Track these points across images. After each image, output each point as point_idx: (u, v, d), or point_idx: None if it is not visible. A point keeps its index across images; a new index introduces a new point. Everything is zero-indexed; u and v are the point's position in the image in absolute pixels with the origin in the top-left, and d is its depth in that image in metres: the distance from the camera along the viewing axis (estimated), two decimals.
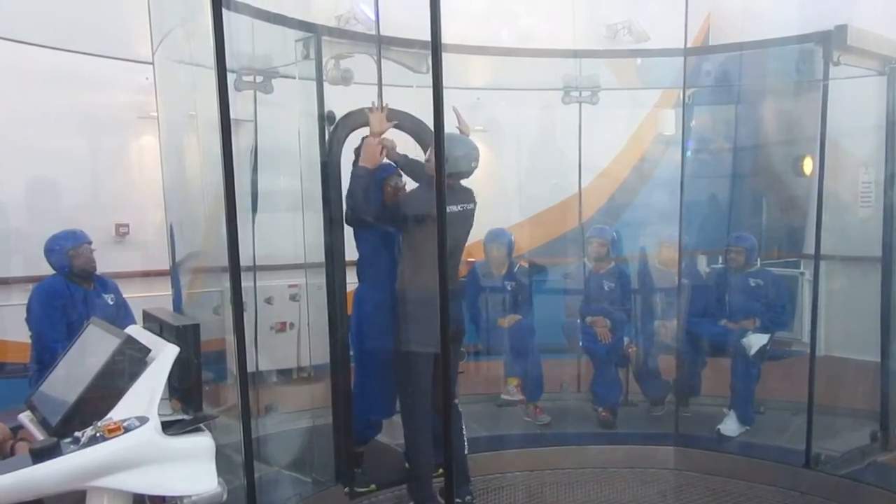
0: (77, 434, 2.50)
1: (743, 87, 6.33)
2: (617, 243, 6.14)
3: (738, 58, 6.05)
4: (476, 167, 4.32)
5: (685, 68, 5.40)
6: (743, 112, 6.70)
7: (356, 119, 4.51)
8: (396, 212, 4.30)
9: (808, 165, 6.03)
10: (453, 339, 4.30)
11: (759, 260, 5.86)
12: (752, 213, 7.18)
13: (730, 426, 5.39)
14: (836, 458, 4.78)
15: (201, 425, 2.79)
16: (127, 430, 2.52)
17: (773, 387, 5.67)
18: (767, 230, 7.08)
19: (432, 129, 2.96)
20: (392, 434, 5.04)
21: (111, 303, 5.18)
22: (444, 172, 3.06)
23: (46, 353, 4.75)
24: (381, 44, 4.78)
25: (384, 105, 4.42)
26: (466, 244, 4.58)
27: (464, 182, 4.35)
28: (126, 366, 2.76)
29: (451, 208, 4.07)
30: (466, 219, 4.35)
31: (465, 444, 4.64)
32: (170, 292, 4.78)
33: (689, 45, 5.53)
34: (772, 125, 7.00)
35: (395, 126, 4.53)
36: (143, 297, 5.36)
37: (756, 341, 5.42)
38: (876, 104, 5.06)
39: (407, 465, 4.74)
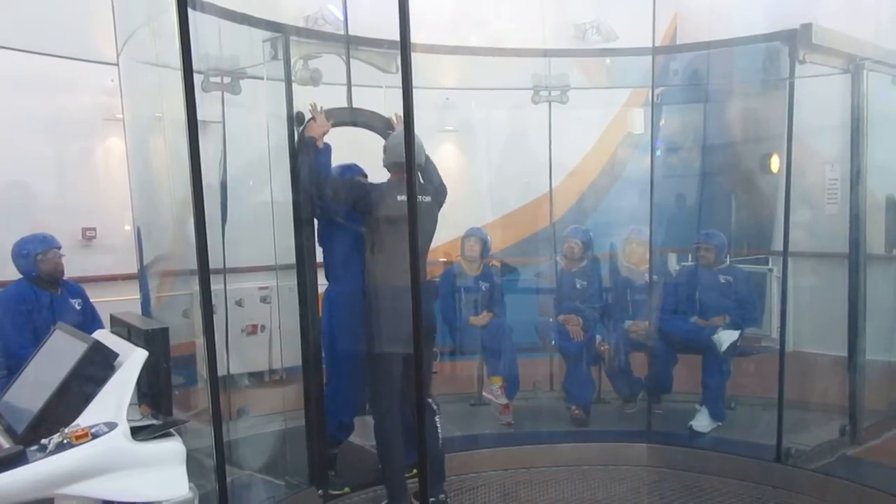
0: (44, 441, 2.46)
1: (711, 86, 6.38)
2: (589, 242, 6.17)
3: (706, 57, 6.10)
4: (424, 158, 4.37)
5: (653, 67, 5.44)
6: (711, 111, 6.76)
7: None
8: (361, 206, 4.29)
9: (776, 163, 6.09)
10: (425, 338, 4.29)
11: (728, 257, 5.91)
12: (721, 210, 7.23)
13: (702, 422, 5.42)
14: (807, 453, 4.83)
15: (171, 430, 2.75)
16: (95, 436, 2.49)
17: (743, 383, 5.73)
18: (736, 227, 7.14)
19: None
20: (365, 435, 5.03)
21: (78, 307, 5.12)
22: (416, 171, 3.05)
23: (12, 359, 4.68)
24: (349, 44, 4.77)
25: (320, 108, 4.42)
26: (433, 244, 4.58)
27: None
28: (93, 371, 2.71)
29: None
30: (425, 212, 4.32)
31: (441, 441, 4.61)
32: (138, 296, 4.73)
33: (656, 45, 5.57)
34: (739, 124, 7.07)
35: (363, 125, 4.53)
36: (110, 301, 5.30)
37: (726, 338, 5.45)
38: (841, 102, 5.12)
39: (380, 465, 4.73)
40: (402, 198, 4.00)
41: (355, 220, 4.47)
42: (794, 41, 4.71)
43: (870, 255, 5.23)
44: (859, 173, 5.03)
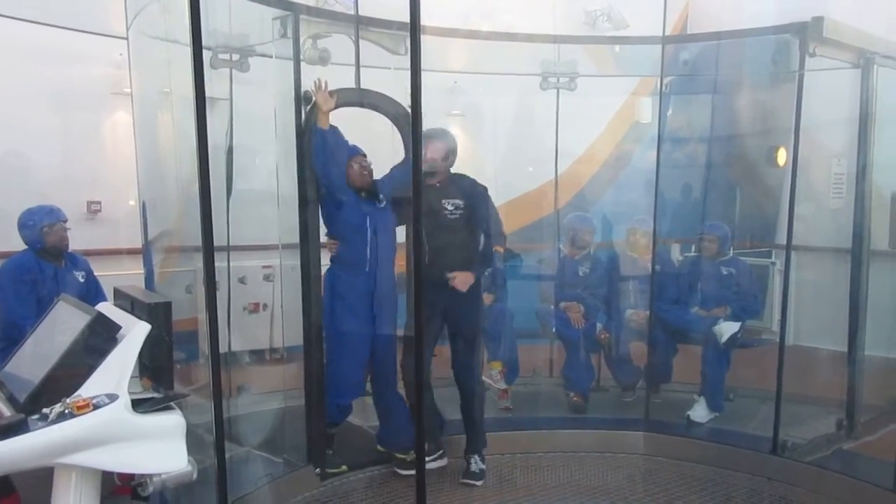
0: (45, 410, 2.47)
1: (720, 76, 6.35)
2: (593, 230, 6.16)
3: (716, 47, 6.08)
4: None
5: (663, 56, 5.42)
6: (719, 102, 6.73)
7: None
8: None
9: (782, 156, 6.07)
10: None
11: (731, 249, 5.91)
12: (726, 202, 7.22)
13: (699, 413, 5.44)
14: (803, 446, 4.85)
15: (172, 404, 2.77)
16: (96, 407, 2.50)
17: (742, 375, 5.73)
18: (740, 220, 7.13)
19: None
20: (364, 416, 5.06)
21: (82, 280, 5.13)
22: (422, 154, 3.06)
23: (15, 329, 4.69)
24: (359, 24, 4.75)
25: (325, 84, 4.41)
26: None
27: None
28: (96, 342, 2.72)
29: None
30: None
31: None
32: (142, 271, 4.74)
33: (667, 34, 5.54)
34: (747, 115, 7.04)
35: (370, 106, 4.52)
36: (114, 275, 5.30)
37: (727, 329, 5.47)
38: (850, 96, 5.10)
39: (379, 447, 4.77)
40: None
41: (358, 201, 4.50)
42: (805, 34, 4.69)
43: (873, 251, 5.22)
44: (865, 168, 5.03)
